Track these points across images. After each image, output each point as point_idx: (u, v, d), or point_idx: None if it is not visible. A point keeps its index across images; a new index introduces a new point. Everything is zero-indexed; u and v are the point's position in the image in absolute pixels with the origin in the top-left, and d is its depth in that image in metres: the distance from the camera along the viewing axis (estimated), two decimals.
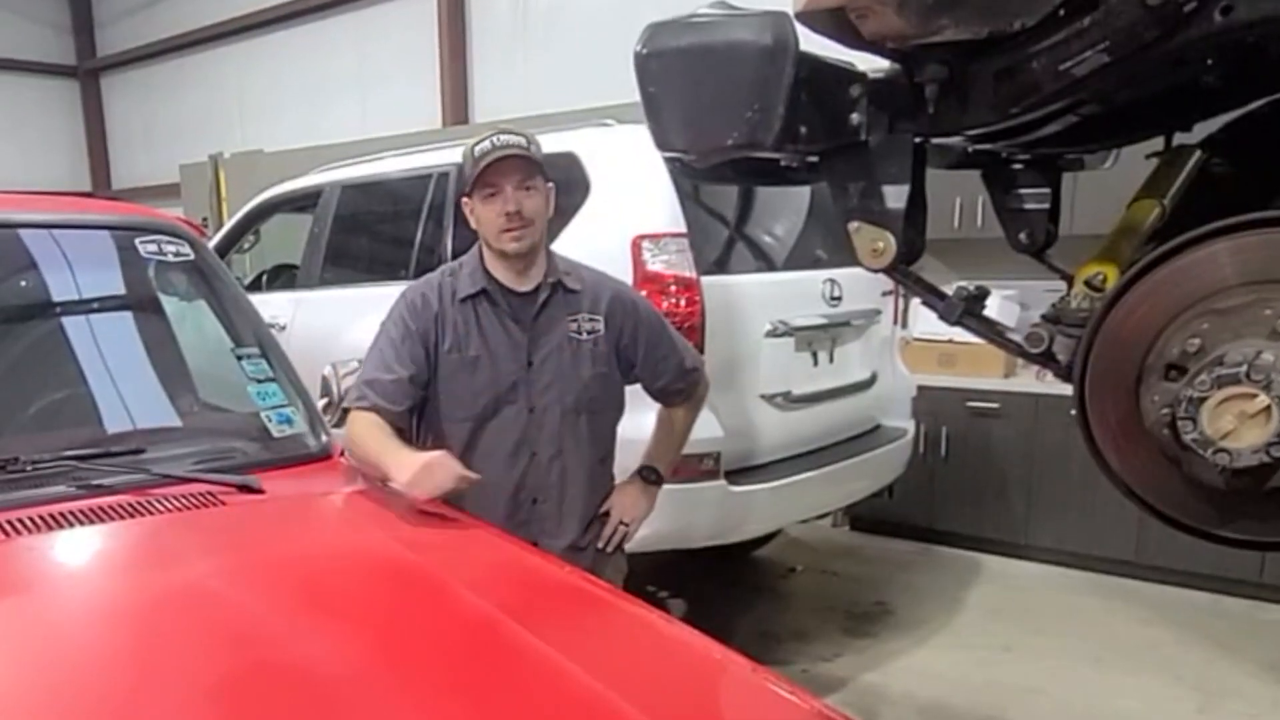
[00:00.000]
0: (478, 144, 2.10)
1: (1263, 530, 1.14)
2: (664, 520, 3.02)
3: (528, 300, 2.18)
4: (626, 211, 3.16)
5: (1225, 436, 1.05)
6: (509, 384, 2.16)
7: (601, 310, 2.20)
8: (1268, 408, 1.02)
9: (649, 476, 2.41)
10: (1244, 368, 1.03)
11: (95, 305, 2.13)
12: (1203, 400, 1.06)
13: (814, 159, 1.41)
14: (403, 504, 1.82)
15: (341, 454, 2.08)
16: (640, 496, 2.39)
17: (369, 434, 2.03)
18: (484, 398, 2.16)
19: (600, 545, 2.33)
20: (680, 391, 2.37)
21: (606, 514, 2.34)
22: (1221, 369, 1.05)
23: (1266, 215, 1.08)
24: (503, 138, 2.09)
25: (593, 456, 2.25)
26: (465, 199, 2.16)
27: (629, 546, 2.42)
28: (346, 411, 2.19)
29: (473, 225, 2.18)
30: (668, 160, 2.72)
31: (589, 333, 2.19)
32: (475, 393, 2.16)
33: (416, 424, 2.23)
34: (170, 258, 2.16)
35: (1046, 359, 1.30)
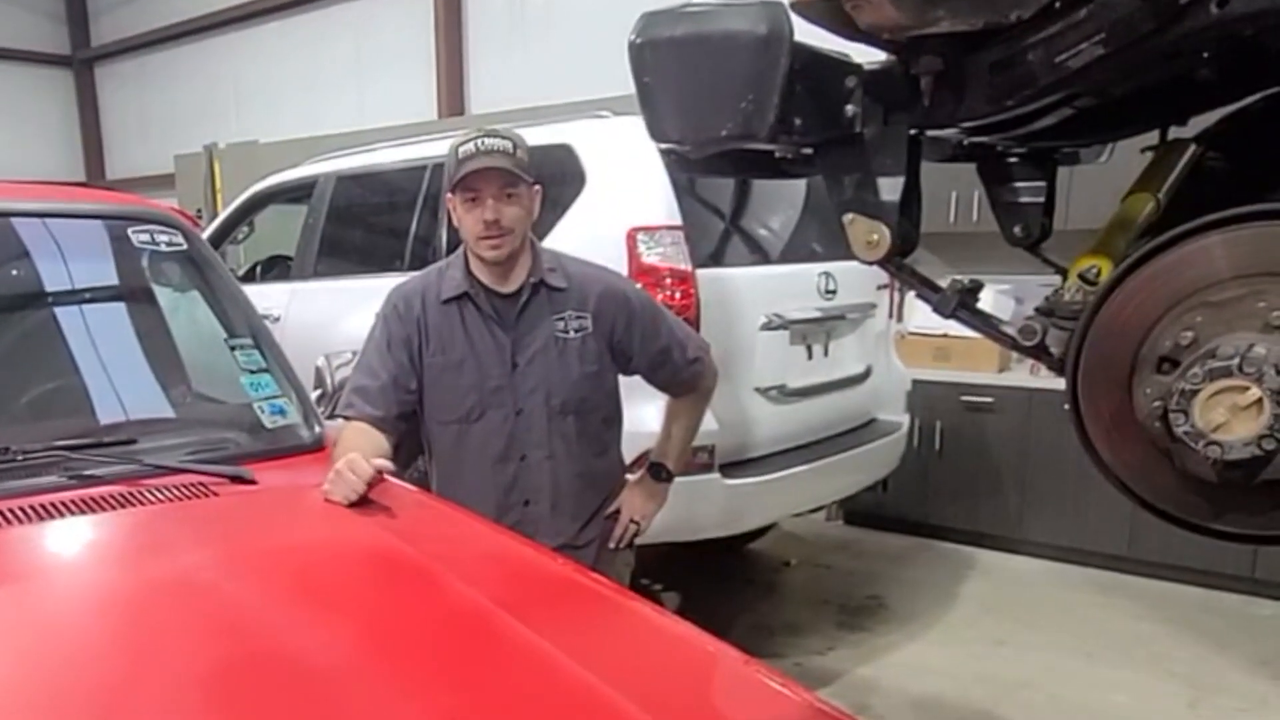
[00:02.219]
0: (463, 143, 2.07)
1: (1255, 524, 1.14)
2: (659, 513, 3.01)
3: (511, 301, 2.15)
4: (622, 203, 3.16)
5: (1217, 429, 1.05)
6: (494, 386, 2.14)
7: (590, 306, 2.17)
8: (1259, 400, 1.02)
9: (659, 474, 2.39)
10: (1236, 360, 1.03)
11: (87, 295, 2.12)
12: (1195, 393, 1.05)
13: (809, 151, 1.40)
14: (395, 496, 1.81)
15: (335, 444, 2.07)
16: (650, 495, 2.37)
17: (340, 444, 1.99)
18: (469, 401, 2.15)
19: (612, 545, 2.33)
20: (684, 382, 2.34)
21: (616, 512, 2.33)
22: (1214, 362, 1.05)
23: (1260, 208, 1.08)
24: (488, 141, 2.05)
25: (585, 455, 2.23)
26: (449, 195, 2.14)
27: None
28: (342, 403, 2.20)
29: (455, 224, 2.17)
30: (663, 152, 2.72)
31: (576, 330, 2.16)
32: (460, 396, 2.15)
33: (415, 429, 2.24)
34: (163, 248, 2.14)
35: (1040, 352, 1.30)
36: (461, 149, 2.06)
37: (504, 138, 2.07)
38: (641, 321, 2.23)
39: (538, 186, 2.16)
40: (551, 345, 2.16)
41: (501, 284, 2.16)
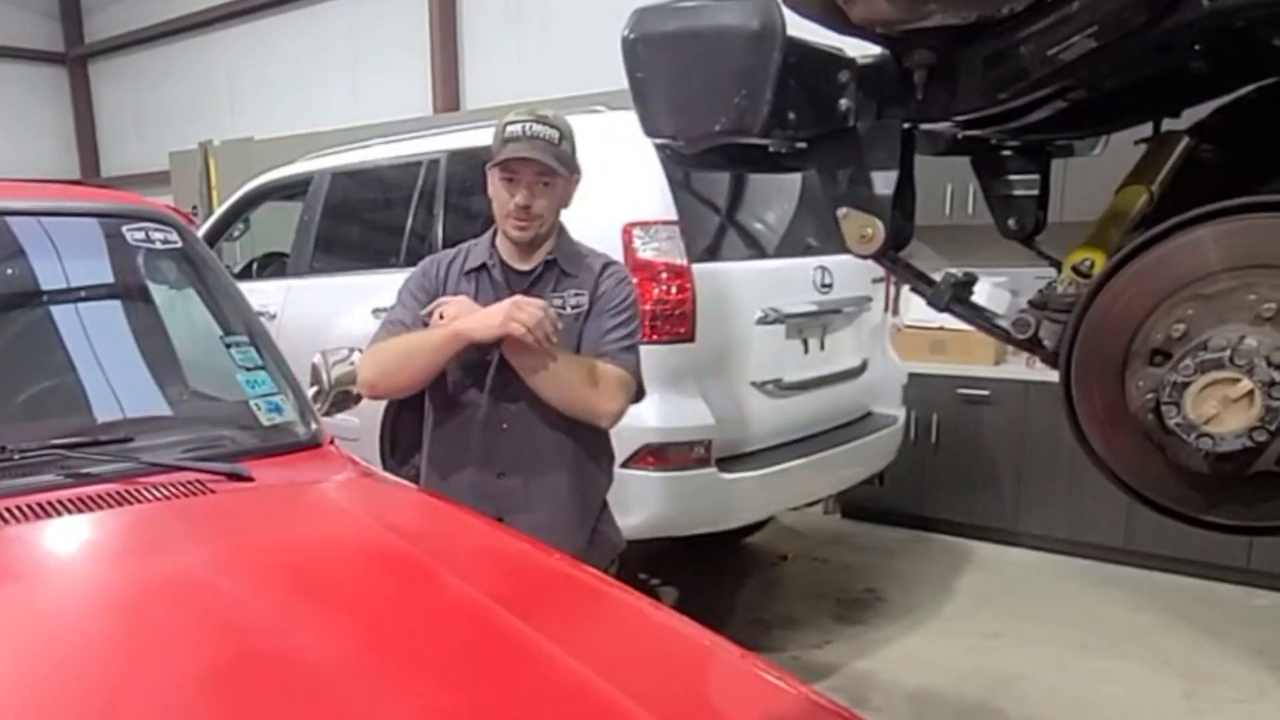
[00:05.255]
0: (511, 122, 2.09)
1: (1247, 515, 1.14)
2: (656, 507, 3.02)
3: (524, 277, 2.21)
4: (617, 199, 3.16)
5: (1209, 421, 1.04)
6: (487, 355, 2.17)
7: (589, 286, 2.20)
8: (1250, 392, 1.02)
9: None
10: (1227, 352, 1.03)
11: (82, 293, 2.11)
12: (1186, 385, 1.05)
13: (803, 145, 1.40)
14: (393, 492, 1.82)
15: (331, 441, 2.07)
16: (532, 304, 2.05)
17: (398, 340, 2.14)
18: (464, 362, 2.18)
19: None
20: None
21: (603, 526, 2.32)
22: (1205, 354, 1.05)
23: (1252, 200, 1.08)
24: (536, 127, 2.07)
25: (568, 437, 2.21)
26: (488, 166, 2.15)
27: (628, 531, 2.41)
28: (344, 396, 2.22)
29: (489, 193, 2.19)
30: (658, 147, 2.72)
31: (573, 308, 2.19)
32: (458, 359, 2.18)
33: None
34: (158, 245, 2.14)
35: (1033, 345, 1.29)
36: (509, 128, 2.09)
37: (553, 126, 2.10)
38: (610, 307, 2.19)
39: (577, 176, 2.19)
40: None
41: (521, 262, 2.21)
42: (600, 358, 2.14)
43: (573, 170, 2.16)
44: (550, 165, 2.07)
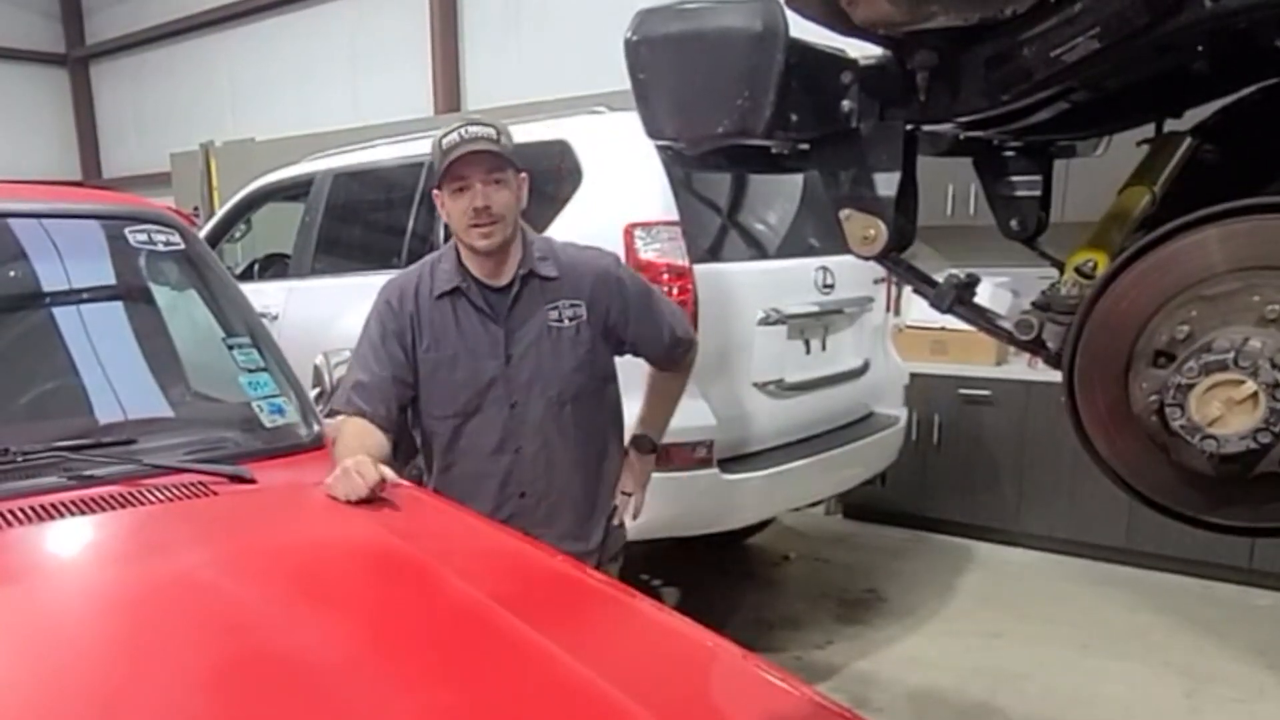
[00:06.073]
0: (445, 135, 2.08)
1: (1250, 516, 1.14)
2: (657, 508, 3.01)
3: (503, 294, 2.16)
4: (619, 199, 3.16)
5: (1212, 423, 1.04)
6: (488, 380, 2.15)
7: (584, 294, 2.17)
8: (1254, 394, 1.02)
9: (643, 445, 2.41)
10: (1231, 354, 1.03)
11: (85, 295, 2.12)
12: (1190, 387, 1.06)
13: (805, 146, 1.41)
14: (395, 493, 1.81)
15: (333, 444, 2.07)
16: (637, 464, 2.40)
17: (341, 440, 2.03)
18: (463, 395, 2.16)
19: (616, 522, 2.34)
20: (675, 361, 2.37)
21: (610, 527, 2.34)
22: (1209, 355, 1.05)
23: (1255, 202, 1.08)
24: (471, 129, 2.06)
25: (583, 446, 2.23)
26: (436, 191, 2.14)
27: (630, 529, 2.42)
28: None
29: (444, 219, 2.17)
30: (660, 148, 2.71)
31: (570, 319, 2.16)
32: (454, 391, 2.16)
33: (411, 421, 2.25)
34: (160, 247, 2.14)
35: (1036, 346, 1.30)
36: (445, 140, 2.08)
37: (487, 125, 2.09)
38: (636, 306, 2.23)
39: (524, 174, 2.16)
40: (545, 336, 2.15)
41: (494, 277, 2.16)
42: (674, 356, 2.34)
43: (518, 168, 2.13)
44: (500, 155, 2.06)
